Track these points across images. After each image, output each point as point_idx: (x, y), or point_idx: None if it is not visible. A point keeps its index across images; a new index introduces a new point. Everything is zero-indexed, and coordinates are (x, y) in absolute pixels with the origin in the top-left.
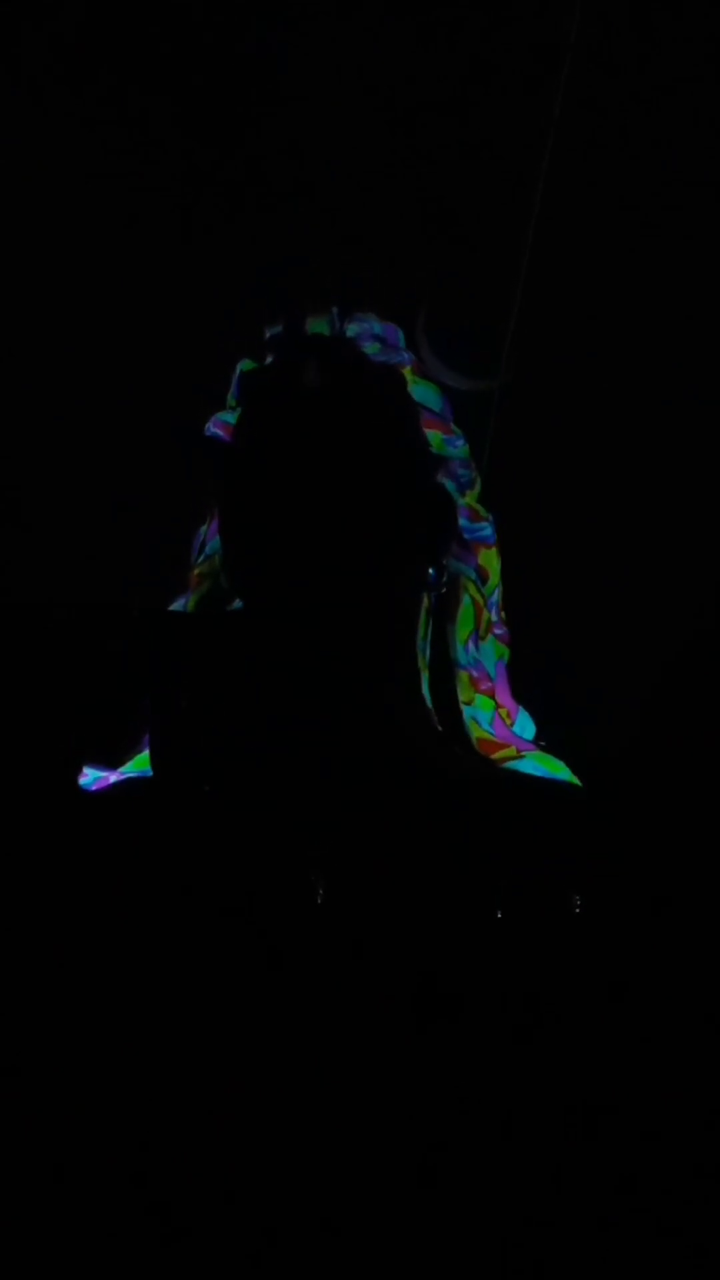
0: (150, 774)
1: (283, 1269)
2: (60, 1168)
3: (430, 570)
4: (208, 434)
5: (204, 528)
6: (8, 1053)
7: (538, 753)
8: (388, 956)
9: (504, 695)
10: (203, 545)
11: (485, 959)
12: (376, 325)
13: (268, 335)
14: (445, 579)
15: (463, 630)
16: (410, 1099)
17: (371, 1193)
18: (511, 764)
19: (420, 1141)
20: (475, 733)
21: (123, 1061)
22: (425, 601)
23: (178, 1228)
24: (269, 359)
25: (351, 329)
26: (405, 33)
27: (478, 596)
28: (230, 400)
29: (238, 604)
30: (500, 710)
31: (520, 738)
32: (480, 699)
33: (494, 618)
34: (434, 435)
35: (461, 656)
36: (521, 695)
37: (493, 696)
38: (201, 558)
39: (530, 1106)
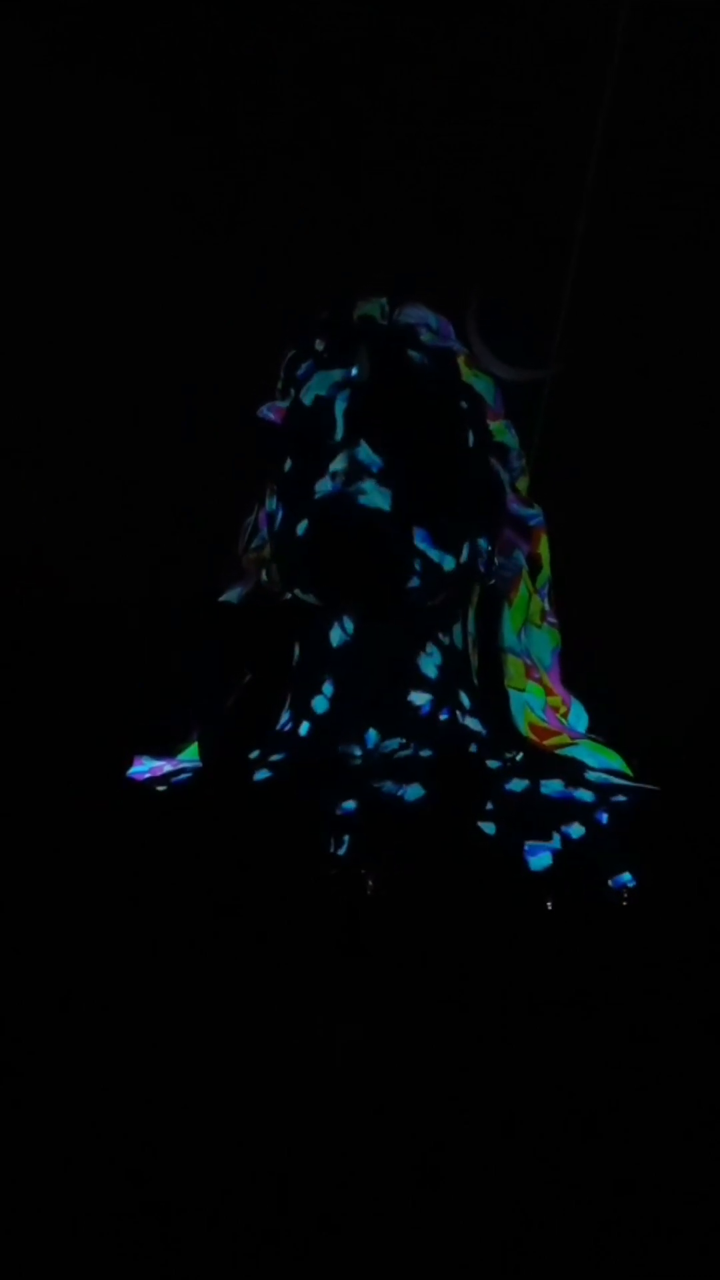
0: (199, 763)
1: (282, 1267)
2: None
3: (480, 558)
4: (260, 418)
5: (252, 516)
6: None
7: (591, 741)
8: (426, 949)
9: (557, 684)
10: (253, 533)
11: (531, 948)
12: (431, 318)
13: (317, 322)
14: (495, 566)
15: (515, 618)
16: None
17: (371, 1190)
18: (565, 750)
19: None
20: (528, 718)
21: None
22: (476, 589)
23: (176, 1221)
24: (319, 346)
25: (404, 318)
26: (468, 28)
27: (529, 584)
28: (280, 385)
29: (288, 595)
30: (551, 699)
31: (573, 729)
32: (532, 686)
33: (546, 605)
34: (495, 426)
35: (513, 643)
36: (576, 684)
37: (543, 685)
38: (254, 544)
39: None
